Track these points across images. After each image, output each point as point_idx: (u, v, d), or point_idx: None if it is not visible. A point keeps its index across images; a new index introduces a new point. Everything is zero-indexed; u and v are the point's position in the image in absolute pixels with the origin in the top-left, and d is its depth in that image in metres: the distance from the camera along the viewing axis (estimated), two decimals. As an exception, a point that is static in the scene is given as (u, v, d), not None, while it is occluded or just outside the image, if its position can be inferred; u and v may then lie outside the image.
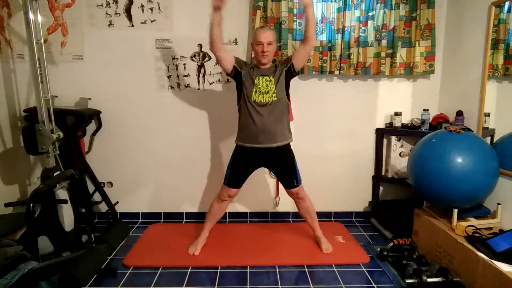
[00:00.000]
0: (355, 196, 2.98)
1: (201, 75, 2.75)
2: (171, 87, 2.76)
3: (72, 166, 2.46)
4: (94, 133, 2.75)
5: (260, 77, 2.17)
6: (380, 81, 2.83)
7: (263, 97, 2.15)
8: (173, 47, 2.70)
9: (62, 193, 2.25)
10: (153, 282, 2.00)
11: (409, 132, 2.72)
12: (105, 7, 2.64)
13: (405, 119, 2.82)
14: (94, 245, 2.30)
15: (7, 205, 2.21)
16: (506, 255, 1.70)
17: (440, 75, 2.81)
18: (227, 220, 2.93)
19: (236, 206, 2.95)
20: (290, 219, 2.97)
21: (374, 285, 1.99)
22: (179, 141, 2.83)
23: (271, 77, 2.18)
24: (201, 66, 2.74)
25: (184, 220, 2.94)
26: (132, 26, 2.67)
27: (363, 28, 2.66)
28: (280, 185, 2.78)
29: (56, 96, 2.64)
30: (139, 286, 1.97)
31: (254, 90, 2.16)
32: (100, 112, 2.72)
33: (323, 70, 2.69)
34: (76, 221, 2.33)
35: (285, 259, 2.26)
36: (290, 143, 2.28)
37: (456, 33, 2.61)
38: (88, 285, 1.97)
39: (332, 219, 2.98)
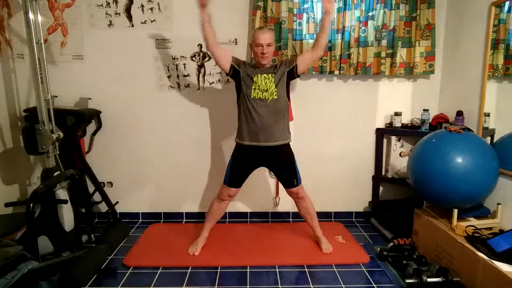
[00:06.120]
0: (355, 196, 2.98)
1: (201, 75, 2.75)
2: (171, 87, 2.76)
3: (72, 166, 2.46)
4: (94, 133, 2.76)
5: (259, 75, 2.17)
6: (380, 81, 2.83)
7: (262, 94, 2.15)
8: (173, 47, 2.71)
9: (62, 193, 2.24)
10: (153, 282, 2.00)
11: (409, 132, 2.72)
12: (105, 7, 2.64)
13: (405, 119, 2.82)
14: (94, 245, 2.31)
15: (7, 205, 2.20)
16: (506, 255, 1.70)
17: (440, 75, 2.81)
18: (227, 220, 2.93)
19: (236, 206, 2.95)
20: (290, 219, 2.97)
21: (374, 285, 1.99)
22: (179, 141, 2.83)
23: (271, 75, 2.18)
24: (201, 66, 2.74)
25: (184, 220, 2.94)
26: (132, 26, 2.67)
27: (363, 28, 2.66)
28: (280, 185, 2.78)
29: (56, 96, 2.64)
30: (139, 286, 1.97)
31: (253, 87, 2.16)
32: (100, 112, 2.72)
33: (323, 70, 2.69)
34: (76, 221, 2.33)
35: (285, 259, 2.26)
36: (290, 143, 2.28)
37: (456, 33, 2.61)
38: (88, 285, 1.96)
39: (332, 219, 2.98)
